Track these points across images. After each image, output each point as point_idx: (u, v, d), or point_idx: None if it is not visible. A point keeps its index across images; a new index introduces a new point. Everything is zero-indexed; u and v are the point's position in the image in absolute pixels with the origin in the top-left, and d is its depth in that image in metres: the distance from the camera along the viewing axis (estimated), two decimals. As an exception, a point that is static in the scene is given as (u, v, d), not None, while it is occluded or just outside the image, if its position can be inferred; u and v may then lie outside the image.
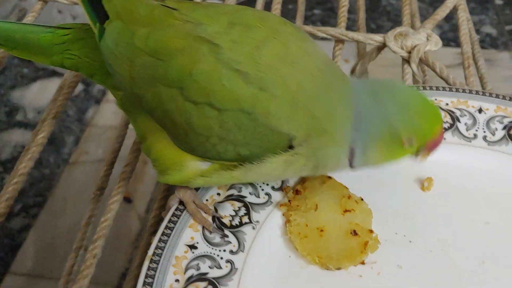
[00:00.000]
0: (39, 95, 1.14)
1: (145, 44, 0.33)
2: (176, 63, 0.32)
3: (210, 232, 0.35)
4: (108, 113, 1.17)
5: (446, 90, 0.43)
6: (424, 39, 0.50)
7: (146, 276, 0.32)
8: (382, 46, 0.51)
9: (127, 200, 1.07)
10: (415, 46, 0.49)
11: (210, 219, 0.35)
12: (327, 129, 0.32)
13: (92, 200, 0.44)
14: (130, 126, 0.50)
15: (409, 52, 0.49)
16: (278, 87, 0.31)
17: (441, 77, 0.48)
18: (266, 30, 0.33)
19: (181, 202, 0.36)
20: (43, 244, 0.96)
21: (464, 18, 0.53)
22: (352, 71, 0.54)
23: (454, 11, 0.56)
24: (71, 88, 0.49)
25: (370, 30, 1.43)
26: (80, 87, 1.16)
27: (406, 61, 0.49)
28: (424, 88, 0.43)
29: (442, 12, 0.53)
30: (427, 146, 0.34)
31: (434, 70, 0.48)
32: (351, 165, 0.34)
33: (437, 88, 0.43)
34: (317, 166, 0.34)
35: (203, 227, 0.35)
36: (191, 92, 0.32)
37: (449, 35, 1.43)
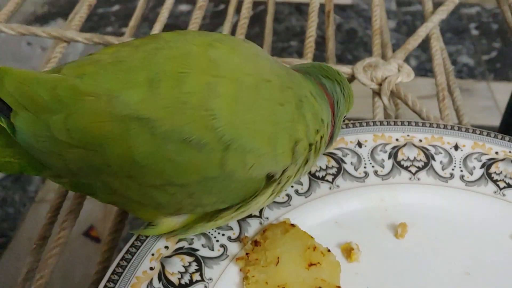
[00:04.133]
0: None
1: (67, 135, 0.28)
2: (112, 152, 0.28)
3: None
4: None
5: (419, 126, 0.40)
6: (395, 70, 0.47)
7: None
8: (351, 78, 0.48)
9: (96, 239, 1.02)
10: (385, 78, 0.46)
11: None
12: (315, 127, 0.31)
13: (31, 252, 0.39)
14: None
15: (380, 84, 0.46)
16: (247, 136, 0.28)
17: (414, 111, 0.45)
18: (199, 71, 0.28)
19: None
20: (4, 288, 0.91)
21: (438, 48, 0.51)
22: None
23: (429, 40, 0.53)
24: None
25: (347, 61, 1.41)
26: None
27: (377, 93, 0.46)
28: (395, 123, 0.40)
29: (414, 42, 0.50)
30: None
31: (406, 103, 0.45)
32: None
33: (409, 123, 0.40)
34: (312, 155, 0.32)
35: None
36: (144, 178, 0.28)
37: (427, 65, 1.42)
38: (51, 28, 0.51)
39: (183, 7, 1.49)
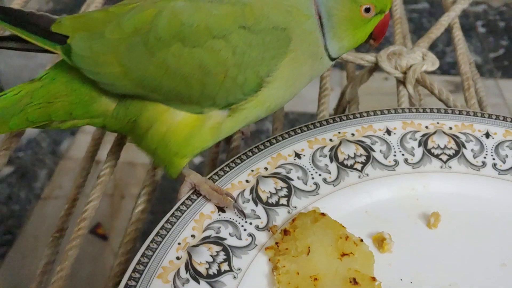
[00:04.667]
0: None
1: (120, 31, 0.33)
2: (162, 24, 0.33)
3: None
4: (84, 145, 1.12)
5: (448, 113, 0.39)
6: (419, 58, 0.45)
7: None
8: (374, 68, 0.46)
9: (103, 237, 1.00)
10: (410, 66, 0.45)
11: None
12: (296, 7, 0.34)
13: (49, 244, 0.38)
14: (97, 158, 0.45)
15: (404, 73, 0.45)
16: None
17: (440, 99, 0.43)
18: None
19: (192, 189, 0.34)
20: (10, 287, 0.89)
21: (461, 37, 0.50)
22: (341, 98, 0.49)
23: (451, 29, 0.52)
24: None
25: (364, 49, 1.40)
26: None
27: (401, 82, 0.45)
28: (424, 110, 0.39)
29: (436, 31, 0.49)
30: (379, 25, 0.36)
31: (432, 92, 0.44)
32: (325, 41, 0.35)
33: (439, 111, 0.39)
34: (310, 55, 0.34)
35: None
36: (191, 38, 0.33)
37: (434, 62, 1.41)
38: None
39: None
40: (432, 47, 1.53)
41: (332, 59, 0.36)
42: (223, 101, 0.34)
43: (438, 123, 0.38)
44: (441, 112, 0.39)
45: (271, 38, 0.33)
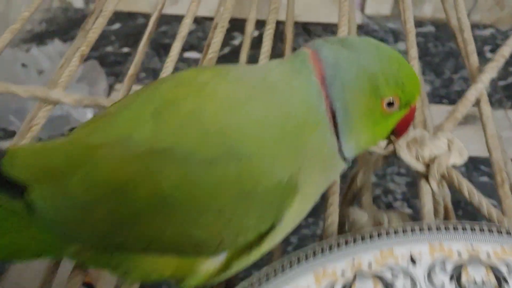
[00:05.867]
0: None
1: (90, 194, 0.28)
2: (139, 196, 0.27)
3: None
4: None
5: (483, 231, 0.32)
6: (444, 147, 0.39)
7: None
8: (388, 156, 0.40)
9: (89, 286, 0.94)
10: (434, 158, 0.38)
11: None
12: (301, 116, 0.28)
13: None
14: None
15: (427, 165, 0.38)
16: (248, 141, 0.27)
17: (471, 203, 0.37)
18: (191, 94, 0.29)
19: None
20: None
21: (489, 115, 0.43)
22: (351, 183, 0.42)
23: (478, 104, 0.45)
24: None
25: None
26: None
27: (424, 176, 0.38)
28: (455, 228, 0.32)
29: (462, 108, 0.42)
30: (402, 120, 0.31)
31: (461, 192, 0.37)
32: (338, 137, 0.29)
33: (473, 229, 0.32)
34: (323, 170, 0.29)
35: None
36: (178, 213, 0.27)
37: (441, 91, 1.35)
38: (34, 87, 0.42)
39: (191, 54, 1.40)
40: (438, 74, 1.46)
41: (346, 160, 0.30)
42: (220, 252, 0.29)
43: (472, 247, 0.31)
44: (475, 231, 0.32)
45: (273, 196, 0.28)
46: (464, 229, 0.32)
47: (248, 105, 0.28)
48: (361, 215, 0.39)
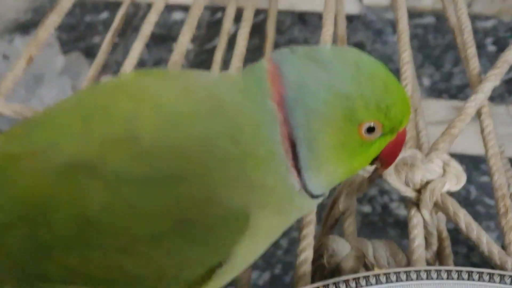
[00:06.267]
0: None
1: (2, 214, 0.24)
2: (59, 217, 0.23)
3: None
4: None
5: (484, 280, 0.27)
6: (439, 170, 0.34)
7: None
8: (374, 178, 0.35)
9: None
10: (426, 183, 0.33)
11: None
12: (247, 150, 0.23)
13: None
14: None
15: (419, 191, 0.33)
16: (188, 162, 0.23)
17: (469, 238, 0.32)
18: (126, 99, 0.25)
19: None
20: None
21: (491, 129, 0.38)
22: (332, 206, 0.37)
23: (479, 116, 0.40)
24: None
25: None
26: None
27: (414, 204, 0.33)
28: (459, 275, 0.27)
29: (460, 123, 0.37)
30: (389, 147, 0.26)
31: (457, 224, 0.32)
32: (300, 175, 0.24)
33: (470, 276, 0.27)
34: (280, 212, 0.25)
35: None
36: (106, 240, 0.23)
37: (441, 85, 1.29)
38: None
39: (177, 15, 1.35)
40: (438, 68, 1.41)
41: (317, 196, 0.25)
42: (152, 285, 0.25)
43: (470, 297, 0.26)
44: (473, 279, 0.27)
45: (221, 226, 0.24)
46: (460, 275, 0.27)
47: (191, 121, 0.24)
48: (342, 245, 0.34)
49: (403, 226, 0.90)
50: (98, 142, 0.24)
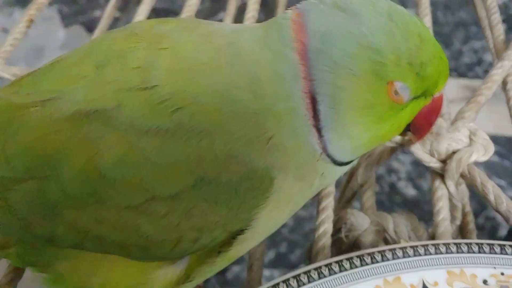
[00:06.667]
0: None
1: (9, 167, 0.22)
2: (70, 171, 0.21)
3: None
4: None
5: (508, 253, 0.25)
6: (465, 140, 0.32)
7: None
8: (396, 147, 0.33)
9: None
10: (452, 153, 0.31)
11: None
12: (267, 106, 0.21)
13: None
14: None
15: (444, 162, 0.31)
16: (208, 114, 0.21)
17: (497, 211, 0.30)
18: (143, 45, 0.23)
19: None
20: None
21: (518, 98, 0.36)
22: (349, 179, 0.35)
23: (504, 85, 0.38)
24: None
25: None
26: None
27: (439, 175, 0.31)
28: (480, 248, 0.25)
29: (487, 91, 0.35)
30: (423, 112, 0.23)
31: (485, 197, 0.30)
32: (320, 134, 0.22)
33: (503, 249, 0.25)
34: (301, 178, 0.23)
35: None
36: (119, 197, 0.21)
37: (450, 63, 1.27)
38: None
39: None
40: (447, 45, 1.38)
41: (344, 163, 0.23)
42: (178, 255, 0.23)
43: (502, 274, 0.25)
44: (504, 253, 0.25)
45: (246, 188, 0.22)
46: (492, 248, 0.25)
47: (210, 71, 0.22)
48: (361, 219, 0.33)
49: (411, 205, 0.89)
50: (113, 90, 0.22)
